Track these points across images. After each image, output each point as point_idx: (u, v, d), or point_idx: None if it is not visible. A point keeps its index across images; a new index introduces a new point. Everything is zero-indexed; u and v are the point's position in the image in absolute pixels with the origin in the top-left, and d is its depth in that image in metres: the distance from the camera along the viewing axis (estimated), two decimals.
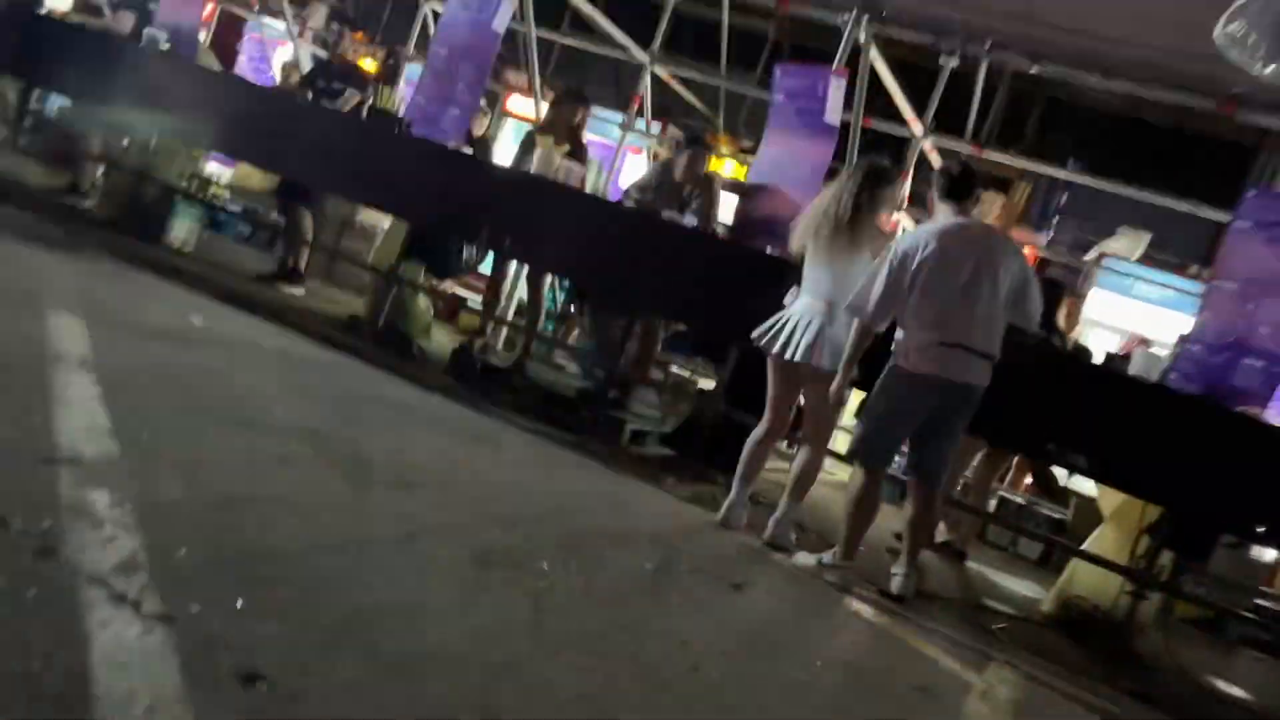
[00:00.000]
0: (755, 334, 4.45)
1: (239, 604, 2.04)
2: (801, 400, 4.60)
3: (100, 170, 7.95)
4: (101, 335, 3.88)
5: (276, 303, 6.31)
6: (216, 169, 10.30)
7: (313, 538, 2.61)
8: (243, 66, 11.74)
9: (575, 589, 2.93)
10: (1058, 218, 10.94)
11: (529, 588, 2.78)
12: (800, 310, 4.37)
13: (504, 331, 7.43)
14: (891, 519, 5.15)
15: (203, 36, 9.33)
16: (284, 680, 1.82)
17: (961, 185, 4.18)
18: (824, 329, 4.28)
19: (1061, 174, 7.76)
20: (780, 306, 4.52)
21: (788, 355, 4.29)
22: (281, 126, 6.68)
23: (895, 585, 4.11)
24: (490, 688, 2.10)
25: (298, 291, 7.06)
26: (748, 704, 2.52)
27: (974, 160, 8.25)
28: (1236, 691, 4.80)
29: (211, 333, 4.75)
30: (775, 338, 4.36)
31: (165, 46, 7.26)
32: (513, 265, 6.96)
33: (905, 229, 8.68)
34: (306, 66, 9.80)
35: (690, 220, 5.68)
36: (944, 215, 4.18)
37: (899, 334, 4.14)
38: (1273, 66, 4.28)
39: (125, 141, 7.70)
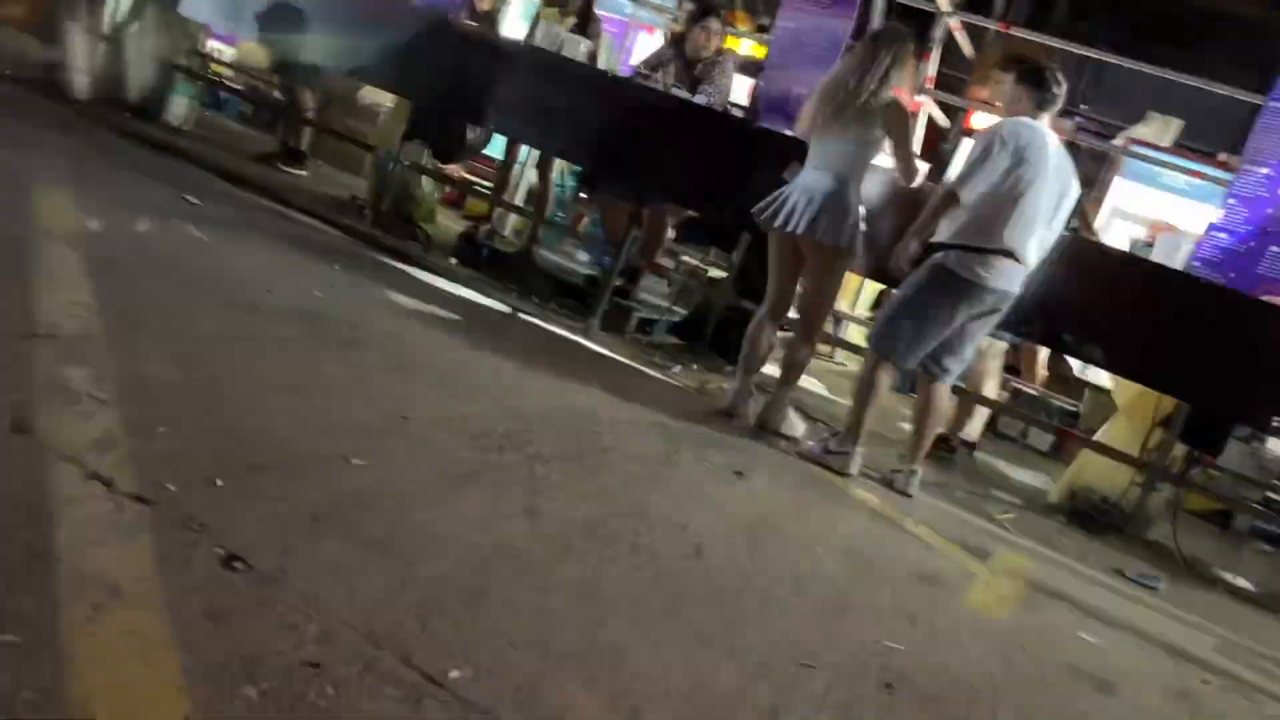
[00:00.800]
0: (755, 209, 4.29)
1: (219, 484, 1.98)
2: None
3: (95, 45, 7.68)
4: (91, 212, 3.77)
5: (276, 183, 6.16)
6: (218, 46, 10.01)
7: (302, 420, 2.54)
8: None
9: (574, 474, 2.87)
10: (1083, 104, 10.55)
11: (527, 472, 2.72)
12: (805, 184, 4.18)
13: (511, 217, 7.25)
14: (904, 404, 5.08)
15: None
16: (264, 562, 1.76)
17: (1048, 90, 3.93)
18: (829, 203, 4.09)
19: (1093, 54, 7.39)
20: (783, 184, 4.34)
21: (789, 228, 4.12)
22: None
23: (900, 481, 4.05)
24: (482, 570, 2.05)
25: (299, 172, 6.90)
26: (748, 590, 2.48)
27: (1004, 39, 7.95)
28: (1240, 582, 4.78)
29: (207, 212, 4.63)
30: (776, 212, 4.19)
31: None
32: (523, 149, 6.73)
33: (930, 114, 8.38)
34: None
35: (702, 99, 5.45)
36: (1041, 119, 3.94)
37: (945, 228, 3.94)
38: None
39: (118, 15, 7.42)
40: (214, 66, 8.63)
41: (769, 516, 3.20)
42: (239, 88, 8.88)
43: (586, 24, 6.17)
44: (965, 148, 6.62)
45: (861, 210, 4.16)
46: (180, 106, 7.06)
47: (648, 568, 2.36)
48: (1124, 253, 4.73)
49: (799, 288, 4.41)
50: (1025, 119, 3.92)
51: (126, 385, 2.29)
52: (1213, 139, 8.90)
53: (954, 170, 3.93)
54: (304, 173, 6.93)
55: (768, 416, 4.31)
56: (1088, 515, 4.86)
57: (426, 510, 2.24)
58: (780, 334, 4.56)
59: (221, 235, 4.40)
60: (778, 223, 4.16)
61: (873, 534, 3.43)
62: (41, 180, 3.97)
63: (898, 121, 4.14)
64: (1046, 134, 3.91)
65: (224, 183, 5.55)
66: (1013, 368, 7.68)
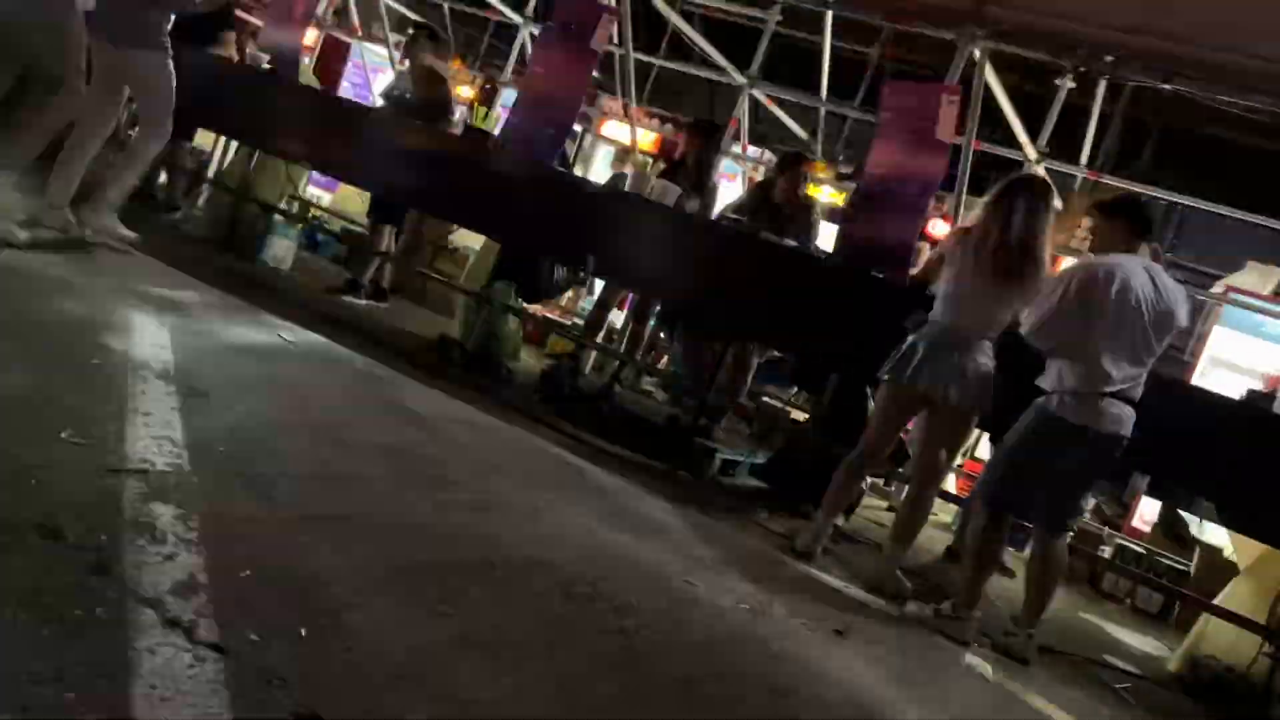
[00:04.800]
0: (889, 364, 4.11)
1: (303, 634, 1.86)
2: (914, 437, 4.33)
3: (194, 184, 8.06)
4: (187, 347, 3.81)
5: (368, 322, 6.25)
6: (316, 191, 10.46)
7: (388, 562, 2.43)
8: (344, 90, 11.93)
9: (666, 629, 2.70)
10: (1170, 252, 10.35)
11: (617, 626, 2.55)
12: (941, 339, 4.02)
13: (593, 355, 7.25)
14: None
15: (307, 61, 9.42)
16: None
17: (1146, 220, 3.83)
18: (969, 363, 3.95)
19: (1184, 201, 7.28)
20: (898, 332, 4.20)
21: (919, 383, 3.97)
22: (375, 143, 6.61)
23: (1016, 646, 3.76)
24: None
25: (365, 304, 6.98)
26: None
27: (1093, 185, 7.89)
28: None
29: (299, 349, 4.67)
30: (904, 365, 4.04)
31: (266, 66, 7.33)
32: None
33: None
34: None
35: (789, 243, 5.43)
36: (1126, 250, 3.79)
37: (1050, 374, 3.80)
38: None
39: (224, 159, 7.83)
40: (312, 210, 8.96)
41: (875, 686, 2.95)
42: (335, 231, 9.19)
43: (702, 181, 6.18)
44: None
45: (993, 367, 4.03)
46: (279, 247, 7.28)
47: None
48: (1245, 404, 4.47)
49: (918, 443, 4.25)
50: (1107, 256, 3.77)
51: (212, 524, 2.22)
52: None
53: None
54: (371, 304, 7.02)
55: (883, 580, 4.07)
56: (1211, 688, 4.46)
57: (514, 669, 2.09)
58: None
59: (312, 371, 4.43)
60: (921, 381, 3.99)
61: (989, 707, 3.15)
62: (138, 315, 4.04)
63: (1038, 283, 3.96)
64: (1136, 266, 3.72)
65: (317, 321, 5.63)
66: (1111, 521, 7.31)
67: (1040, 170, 7.81)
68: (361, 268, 7.22)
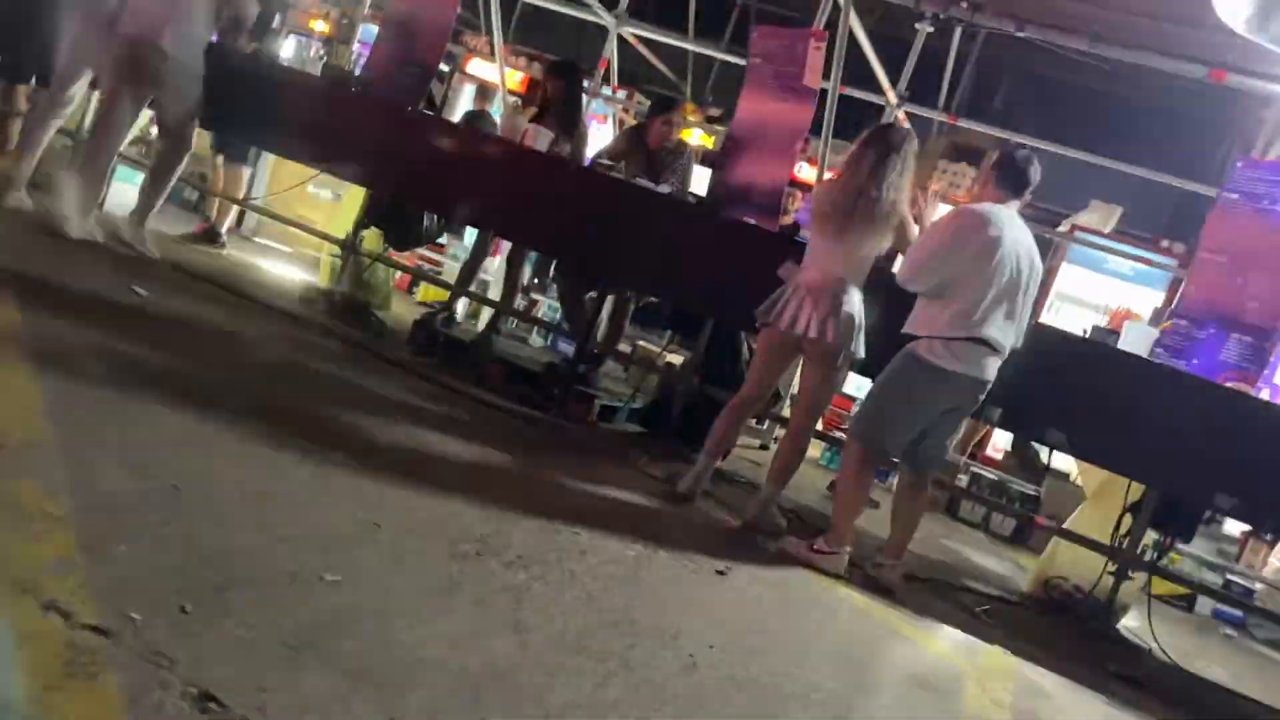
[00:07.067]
0: (761, 309, 4.24)
1: (187, 610, 1.81)
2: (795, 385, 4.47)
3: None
4: (35, 309, 3.59)
5: (227, 272, 5.99)
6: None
7: (269, 530, 2.37)
8: None
9: (555, 580, 2.73)
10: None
11: (506, 581, 2.57)
12: (810, 284, 4.13)
13: (466, 304, 7.14)
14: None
15: None
16: (240, 699, 1.60)
17: (1023, 176, 3.95)
18: (836, 306, 4.07)
19: (1036, 144, 7.60)
20: (769, 278, 4.30)
21: (797, 329, 4.08)
22: (227, 82, 6.23)
23: (883, 576, 3.96)
24: (473, 697, 1.90)
25: (219, 251, 6.74)
26: (747, 705, 2.35)
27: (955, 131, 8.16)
28: (1216, 672, 4.75)
29: (157, 305, 4.45)
30: (781, 311, 4.15)
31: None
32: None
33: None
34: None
35: (664, 189, 5.45)
36: (999, 201, 3.94)
37: (919, 319, 3.94)
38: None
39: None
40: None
41: (757, 620, 3.07)
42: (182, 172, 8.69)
43: (566, 121, 6.00)
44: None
45: (861, 312, 4.15)
46: (123, 193, 6.86)
47: (644, 688, 2.22)
48: (1091, 340, 4.76)
49: (797, 387, 4.39)
50: (990, 204, 3.94)
51: (81, 499, 2.12)
52: (1151, 224, 9.20)
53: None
54: (223, 251, 6.79)
55: (759, 517, 4.21)
56: (1061, 605, 4.81)
57: (409, 630, 2.09)
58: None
59: (171, 329, 4.23)
60: (783, 324, 4.12)
61: (862, 635, 3.32)
62: None
63: (903, 232, 4.16)
64: (1006, 214, 3.90)
65: (176, 274, 5.37)
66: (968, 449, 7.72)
67: (900, 115, 8.03)
68: (222, 216, 6.93)
